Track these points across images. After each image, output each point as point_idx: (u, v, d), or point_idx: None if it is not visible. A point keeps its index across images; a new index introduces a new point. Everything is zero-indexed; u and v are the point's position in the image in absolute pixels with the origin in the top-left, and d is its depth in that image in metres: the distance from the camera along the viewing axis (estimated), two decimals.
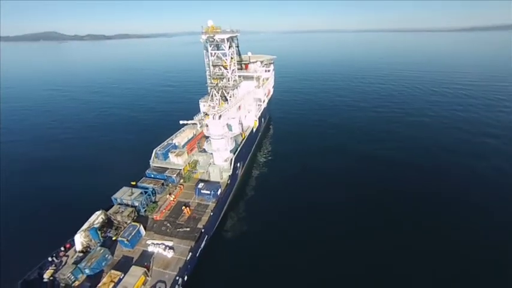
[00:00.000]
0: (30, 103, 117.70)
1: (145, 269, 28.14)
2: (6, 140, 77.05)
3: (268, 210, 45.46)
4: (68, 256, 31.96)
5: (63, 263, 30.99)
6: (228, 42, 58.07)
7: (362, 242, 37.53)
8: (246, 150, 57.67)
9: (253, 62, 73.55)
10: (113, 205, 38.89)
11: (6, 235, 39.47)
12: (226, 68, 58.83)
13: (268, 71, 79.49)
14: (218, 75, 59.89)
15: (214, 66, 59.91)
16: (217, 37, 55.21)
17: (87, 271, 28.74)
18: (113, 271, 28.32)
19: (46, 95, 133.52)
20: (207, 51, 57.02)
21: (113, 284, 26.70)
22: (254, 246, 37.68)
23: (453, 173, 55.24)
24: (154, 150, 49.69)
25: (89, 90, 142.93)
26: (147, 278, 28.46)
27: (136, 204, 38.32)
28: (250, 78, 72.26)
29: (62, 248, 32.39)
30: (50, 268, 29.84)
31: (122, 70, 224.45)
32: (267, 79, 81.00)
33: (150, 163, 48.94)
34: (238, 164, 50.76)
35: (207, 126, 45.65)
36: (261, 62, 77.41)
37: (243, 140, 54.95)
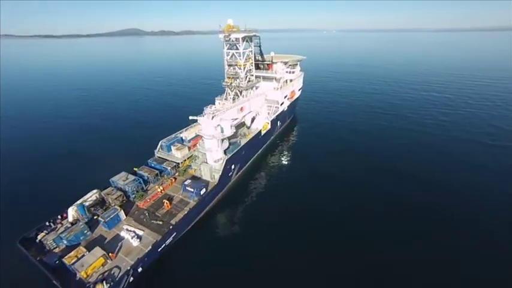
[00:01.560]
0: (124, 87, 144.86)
1: (105, 253, 30.50)
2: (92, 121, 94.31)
3: (256, 217, 43.44)
4: (62, 224, 37.04)
5: (56, 229, 36.10)
6: (245, 42, 57.24)
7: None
8: (248, 152, 56.39)
9: (274, 63, 70.75)
10: (109, 186, 43.27)
11: (19, 199, 48.10)
12: (240, 68, 58.29)
13: (293, 72, 75.34)
14: (232, 74, 59.91)
15: (229, 65, 60.13)
16: (233, 36, 54.93)
17: (65, 241, 32.92)
18: (81, 247, 31.67)
19: (130, 83, 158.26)
20: (233, 48, 57.46)
21: (75, 258, 29.86)
22: (224, 254, 36.58)
23: None
24: (160, 142, 53.05)
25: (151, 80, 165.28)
26: (107, 260, 30.78)
27: (127, 189, 41.79)
28: (270, 79, 70.01)
29: (59, 216, 37.76)
30: (45, 231, 35.21)
31: (181, 62, 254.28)
32: (291, 81, 77.08)
33: (155, 153, 52.57)
34: (233, 166, 50.06)
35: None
36: (285, 63, 73.96)
37: (244, 142, 54.01)
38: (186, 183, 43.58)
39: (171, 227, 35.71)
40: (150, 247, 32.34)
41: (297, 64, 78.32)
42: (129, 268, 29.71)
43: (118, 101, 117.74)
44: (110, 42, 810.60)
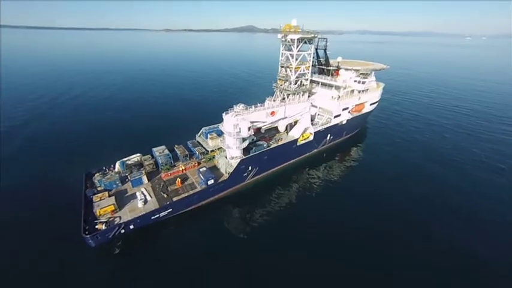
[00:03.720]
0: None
1: (115, 203, 38.55)
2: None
3: (255, 227, 42.07)
4: (111, 171, 49.23)
5: (106, 174, 48.34)
6: (301, 44, 53.85)
7: None
8: (273, 158, 53.82)
9: (339, 69, 62.22)
10: (149, 154, 52.97)
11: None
12: (291, 70, 55.71)
13: (363, 82, 63.88)
14: (282, 76, 58.16)
15: (281, 66, 58.52)
16: (289, 37, 52.80)
17: (103, 184, 43.86)
18: (107, 192, 41.32)
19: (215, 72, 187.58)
20: (288, 50, 56.14)
21: (99, 199, 39.49)
22: (206, 246, 37.99)
23: None
24: (202, 128, 59.19)
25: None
26: (117, 209, 38.87)
27: (159, 160, 50.06)
28: (329, 86, 62.75)
29: (113, 165, 50.26)
30: (101, 172, 47.96)
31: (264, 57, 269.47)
32: (359, 92, 65.89)
33: (196, 136, 59.39)
34: (250, 168, 49.55)
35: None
36: (356, 70, 63.86)
37: (269, 147, 52.05)
38: (201, 169, 47.36)
39: (168, 202, 40.40)
40: (144, 212, 38.12)
41: (370, 74, 65.69)
42: (123, 222, 36.42)
43: (199, 86, 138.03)
44: (230, 36, 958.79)
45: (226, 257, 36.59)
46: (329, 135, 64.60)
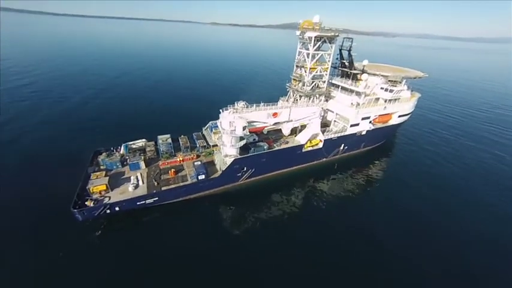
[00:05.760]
0: None
1: (107, 183, 40.40)
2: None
3: (238, 231, 40.43)
4: (117, 152, 52.04)
5: (112, 154, 51.19)
6: (319, 43, 49.59)
7: None
8: (272, 162, 50.79)
9: (362, 72, 55.54)
10: (153, 141, 54.61)
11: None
12: (306, 71, 51.83)
13: (391, 91, 56.18)
14: (296, 76, 54.57)
15: (297, 66, 54.85)
16: (307, 35, 48.93)
17: (106, 163, 46.53)
18: (104, 172, 43.64)
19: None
20: (306, 49, 52.43)
21: (96, 177, 41.93)
22: (180, 241, 37.82)
23: None
24: (210, 122, 58.99)
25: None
26: (108, 189, 40.79)
27: (160, 148, 51.34)
28: (350, 91, 56.81)
29: (119, 147, 53.14)
30: (107, 153, 51.05)
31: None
32: (387, 101, 58.38)
33: (202, 129, 59.53)
34: (245, 168, 47.60)
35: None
36: (384, 76, 56.63)
37: (269, 149, 49.26)
38: (196, 163, 47.12)
39: (154, 191, 41.00)
40: (131, 197, 39.24)
41: (401, 81, 57.38)
42: (109, 203, 38.04)
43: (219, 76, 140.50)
44: (279, 33, 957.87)
45: (202, 252, 35.75)
46: (343, 145, 58.75)
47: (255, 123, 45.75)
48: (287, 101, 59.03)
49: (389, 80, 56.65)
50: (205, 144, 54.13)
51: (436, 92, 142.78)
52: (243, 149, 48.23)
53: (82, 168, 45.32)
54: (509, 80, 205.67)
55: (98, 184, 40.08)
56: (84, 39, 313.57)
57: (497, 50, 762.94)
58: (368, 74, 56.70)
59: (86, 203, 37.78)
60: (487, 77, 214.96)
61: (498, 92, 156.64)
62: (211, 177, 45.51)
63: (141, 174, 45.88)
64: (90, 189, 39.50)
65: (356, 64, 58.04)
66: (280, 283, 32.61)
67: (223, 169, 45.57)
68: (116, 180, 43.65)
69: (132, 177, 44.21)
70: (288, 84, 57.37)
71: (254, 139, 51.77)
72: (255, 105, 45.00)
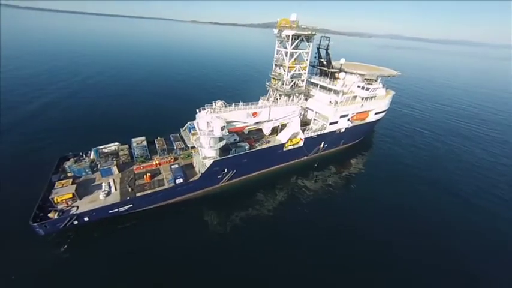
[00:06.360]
0: None
1: (74, 192, 37.13)
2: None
3: (221, 235, 39.10)
4: (87, 158, 48.22)
5: (81, 160, 47.34)
6: (296, 41, 49.35)
7: None
8: (254, 162, 50.05)
9: (340, 71, 56.59)
10: (127, 144, 51.38)
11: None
12: (284, 70, 51.44)
13: (367, 89, 57.73)
14: (275, 75, 54.03)
15: (275, 64, 54.34)
16: (284, 33, 48.43)
17: (74, 170, 42.83)
18: (70, 180, 40.06)
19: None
20: (284, 47, 51.84)
21: (61, 185, 38.36)
22: (160, 249, 35.76)
23: None
24: (188, 122, 56.60)
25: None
26: (75, 198, 37.49)
27: (134, 151, 48.32)
28: (328, 90, 57.47)
29: (88, 152, 49.27)
30: (75, 158, 47.11)
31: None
32: (363, 99, 59.86)
33: (180, 130, 57.01)
34: (225, 170, 46.31)
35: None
36: (361, 75, 58.00)
37: (250, 150, 48.37)
38: (173, 166, 44.98)
39: (128, 197, 38.41)
40: (102, 205, 36.38)
41: (376, 80, 59.21)
42: (77, 213, 34.93)
43: (205, 79, 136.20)
44: (260, 31, 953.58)
45: (182, 261, 34.11)
46: (323, 143, 59.47)
47: (234, 123, 44.53)
48: (267, 100, 58.47)
49: (365, 78, 58.20)
50: (183, 146, 51.90)
51: (409, 89, 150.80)
52: (224, 150, 46.96)
53: (45, 176, 41.31)
54: (472, 79, 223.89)
55: (61, 193, 36.64)
56: (54, 36, 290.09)
57: (459, 52, 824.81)
58: (345, 72, 57.92)
59: (48, 215, 34.36)
60: (451, 76, 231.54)
61: (463, 90, 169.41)
62: (190, 180, 43.67)
63: (113, 180, 42.83)
64: (54, 199, 36.04)
65: (334, 63, 58.88)
66: (267, 282, 31.95)
67: (203, 171, 43.92)
68: (85, 188, 40.38)
69: (103, 184, 41.06)
70: (267, 83, 56.81)
71: (235, 139, 50.60)
72: (233, 104, 43.80)
